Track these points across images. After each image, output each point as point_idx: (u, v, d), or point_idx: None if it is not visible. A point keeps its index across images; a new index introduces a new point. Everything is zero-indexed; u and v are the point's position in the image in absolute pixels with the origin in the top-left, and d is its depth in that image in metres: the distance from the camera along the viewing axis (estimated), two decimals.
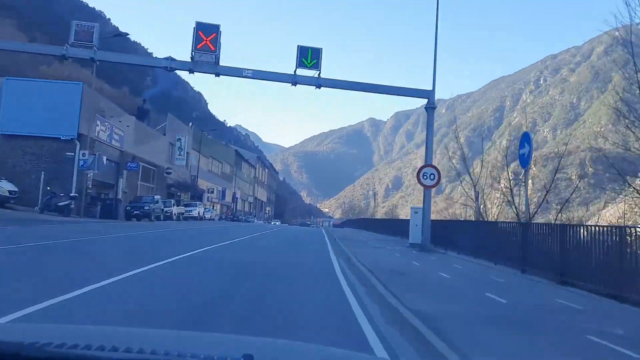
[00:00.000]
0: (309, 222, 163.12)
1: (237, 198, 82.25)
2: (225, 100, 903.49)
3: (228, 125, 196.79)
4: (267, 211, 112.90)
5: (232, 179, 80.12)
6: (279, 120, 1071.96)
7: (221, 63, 20.10)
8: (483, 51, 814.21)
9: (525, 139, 16.44)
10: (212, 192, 65.24)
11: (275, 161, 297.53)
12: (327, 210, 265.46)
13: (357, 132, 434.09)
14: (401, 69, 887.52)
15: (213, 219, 54.38)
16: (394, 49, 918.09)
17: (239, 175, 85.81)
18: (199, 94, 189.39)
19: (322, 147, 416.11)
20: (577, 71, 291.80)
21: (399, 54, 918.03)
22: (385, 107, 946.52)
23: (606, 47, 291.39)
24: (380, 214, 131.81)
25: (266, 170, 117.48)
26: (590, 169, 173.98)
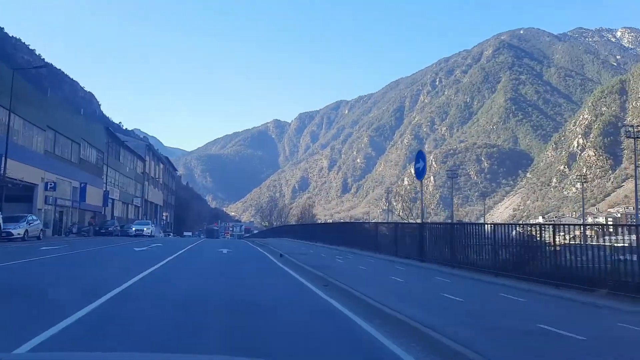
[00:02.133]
0: (216, 228, 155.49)
1: (111, 199, 57.91)
2: (122, 102, 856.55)
3: (124, 128, 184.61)
4: (164, 217, 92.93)
5: (103, 171, 54.80)
6: (181, 123, 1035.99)
7: None
8: (381, 53, 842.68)
9: (420, 155, 18.77)
10: (53, 189, 40.18)
11: (177, 165, 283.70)
12: (233, 213, 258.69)
13: (262, 133, 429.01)
14: None
15: (38, 237, 30.95)
16: None
17: (116, 167, 61.72)
18: (90, 94, 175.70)
19: (227, 150, 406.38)
20: (469, 72, 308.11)
21: None
22: (289, 108, 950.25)
23: (494, 51, 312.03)
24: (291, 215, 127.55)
25: (161, 165, 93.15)
26: (486, 164, 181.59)
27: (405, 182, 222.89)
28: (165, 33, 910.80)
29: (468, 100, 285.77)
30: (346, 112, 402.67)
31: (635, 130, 60.26)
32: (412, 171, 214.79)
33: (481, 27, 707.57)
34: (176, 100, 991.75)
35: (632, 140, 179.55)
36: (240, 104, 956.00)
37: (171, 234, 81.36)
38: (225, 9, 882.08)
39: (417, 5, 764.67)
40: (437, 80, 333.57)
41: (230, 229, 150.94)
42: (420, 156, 18.41)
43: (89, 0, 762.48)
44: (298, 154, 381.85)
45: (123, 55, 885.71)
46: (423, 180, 18.84)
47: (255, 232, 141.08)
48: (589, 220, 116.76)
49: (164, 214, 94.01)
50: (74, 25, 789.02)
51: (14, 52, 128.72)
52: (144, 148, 78.07)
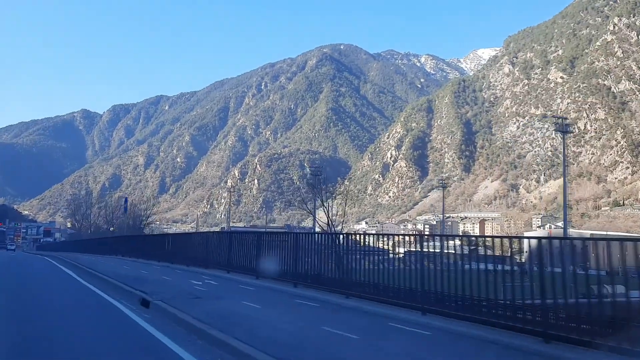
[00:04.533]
0: (3, 229, 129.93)
1: None
2: None
3: None
4: None
5: None
6: None
7: None
8: (206, 50, 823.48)
9: None
10: None
11: None
12: (27, 212, 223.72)
13: (68, 124, 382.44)
14: None
15: None
16: None
17: None
18: None
19: (22, 139, 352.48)
20: (294, 80, 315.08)
21: None
22: (101, 99, 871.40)
23: (317, 62, 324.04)
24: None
25: None
26: (308, 170, 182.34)
27: (229, 184, 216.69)
28: None
29: (292, 106, 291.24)
30: (167, 108, 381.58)
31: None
32: (237, 173, 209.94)
33: (305, 37, 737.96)
34: None
35: (436, 153, 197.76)
36: (41, 88, 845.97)
37: None
38: None
39: (243, 6, 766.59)
40: (263, 84, 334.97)
41: (23, 230, 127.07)
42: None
43: None
44: (110, 149, 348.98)
45: None
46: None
47: (58, 236, 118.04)
48: (409, 226, 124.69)
49: None
50: None
51: None
52: None
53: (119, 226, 59.29)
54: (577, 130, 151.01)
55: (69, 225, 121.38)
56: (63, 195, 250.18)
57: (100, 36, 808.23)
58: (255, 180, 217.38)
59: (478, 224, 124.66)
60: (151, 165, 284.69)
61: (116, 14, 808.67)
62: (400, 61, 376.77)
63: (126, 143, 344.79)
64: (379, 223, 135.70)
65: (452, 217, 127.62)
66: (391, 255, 11.84)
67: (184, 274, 17.70)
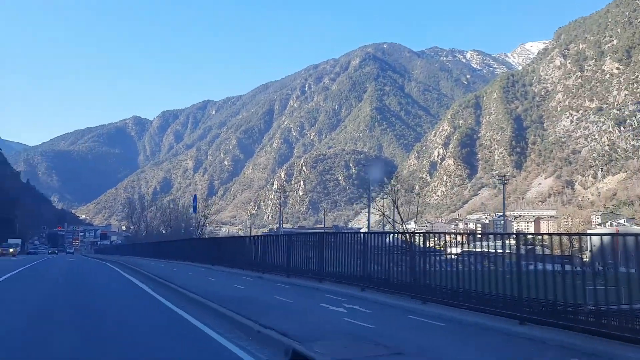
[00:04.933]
0: (62, 233, 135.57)
1: None
2: None
3: None
4: None
5: None
6: (23, 114, 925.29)
7: None
8: (250, 55, 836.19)
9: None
10: None
11: (17, 162, 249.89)
12: (84, 216, 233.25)
13: (120, 130, 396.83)
14: None
15: None
16: None
17: None
18: None
19: (78, 147, 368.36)
20: (337, 81, 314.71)
21: None
22: (151, 105, 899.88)
23: (360, 61, 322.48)
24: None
25: None
26: (353, 170, 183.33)
27: (275, 186, 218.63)
28: (9, 18, 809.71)
29: (336, 107, 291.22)
30: (213, 112, 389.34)
31: None
32: (283, 175, 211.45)
33: (348, 37, 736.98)
34: (18, 87, 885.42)
35: (486, 151, 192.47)
36: (94, 97, 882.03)
37: None
38: None
39: (284, 10, 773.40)
40: (307, 86, 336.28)
41: (81, 234, 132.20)
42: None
43: None
44: (160, 154, 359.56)
45: None
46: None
47: (114, 239, 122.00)
48: (460, 225, 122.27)
49: None
50: None
51: None
52: None
53: (174, 229, 60.40)
54: (636, 123, 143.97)
55: (123, 228, 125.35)
56: (117, 199, 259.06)
57: (150, 45, 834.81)
58: (301, 182, 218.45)
59: (533, 222, 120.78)
60: (200, 169, 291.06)
61: (162, 25, 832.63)
62: (445, 58, 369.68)
63: (175, 148, 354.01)
64: (428, 222, 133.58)
65: (505, 216, 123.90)
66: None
67: (296, 291, 13.18)
